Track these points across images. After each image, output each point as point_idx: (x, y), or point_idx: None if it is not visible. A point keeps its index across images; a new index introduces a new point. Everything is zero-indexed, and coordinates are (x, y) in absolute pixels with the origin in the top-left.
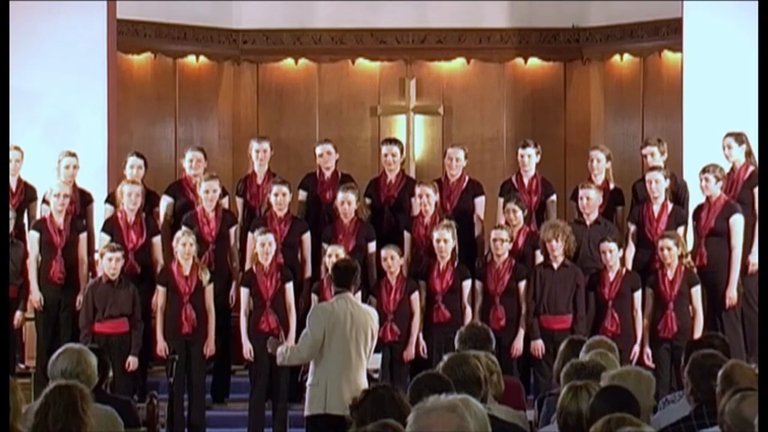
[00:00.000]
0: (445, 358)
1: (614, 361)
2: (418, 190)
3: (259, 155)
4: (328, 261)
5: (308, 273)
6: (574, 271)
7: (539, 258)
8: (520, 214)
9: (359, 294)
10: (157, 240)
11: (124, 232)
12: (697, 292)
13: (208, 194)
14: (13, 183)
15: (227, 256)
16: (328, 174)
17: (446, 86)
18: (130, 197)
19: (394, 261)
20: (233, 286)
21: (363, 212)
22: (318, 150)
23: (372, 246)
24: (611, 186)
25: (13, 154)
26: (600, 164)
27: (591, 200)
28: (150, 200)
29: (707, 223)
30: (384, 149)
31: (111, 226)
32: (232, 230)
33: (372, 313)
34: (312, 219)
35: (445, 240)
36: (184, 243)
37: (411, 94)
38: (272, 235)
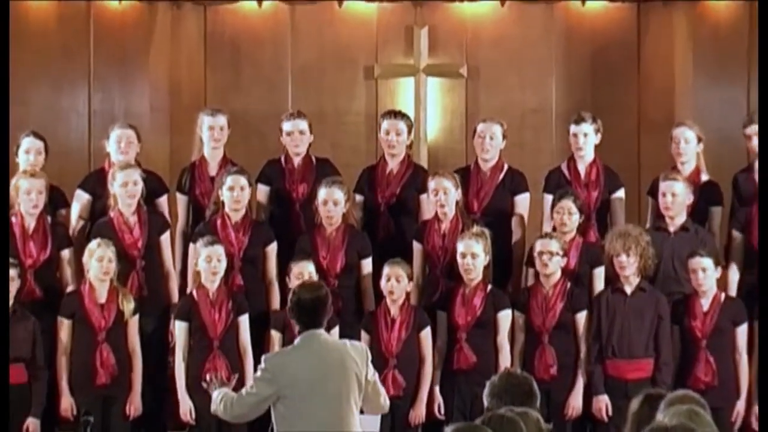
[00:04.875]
0: (448, 431)
1: (709, 424)
2: (432, 183)
3: (213, 134)
4: (295, 284)
5: (276, 301)
6: (655, 297)
7: (599, 280)
8: (576, 217)
9: (336, 331)
10: (66, 254)
11: (21, 244)
12: None
13: (126, 189)
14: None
15: (162, 275)
16: (297, 161)
17: (471, 37)
18: (29, 196)
19: (399, 284)
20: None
21: (353, 216)
22: (286, 126)
23: (367, 264)
24: (703, 178)
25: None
26: (688, 147)
27: (677, 197)
28: (53, 199)
29: None
30: (385, 125)
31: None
32: (164, 238)
33: (353, 349)
34: (277, 224)
35: (474, 254)
36: (99, 258)
37: (422, 49)
38: (221, 247)
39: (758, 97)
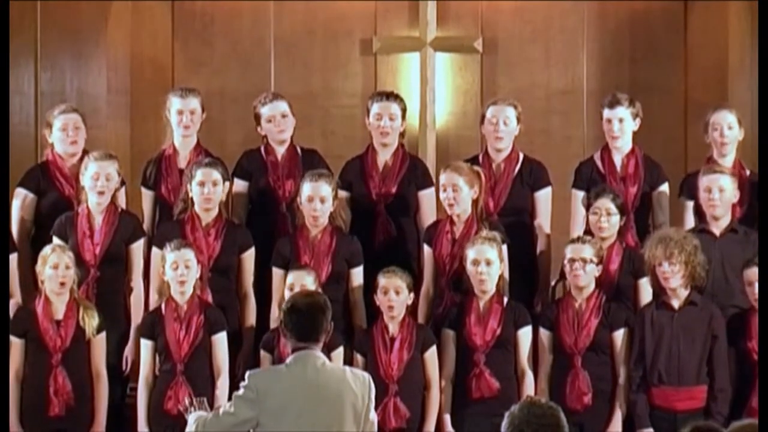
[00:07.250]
0: None
1: None
2: (443, 177)
3: (182, 120)
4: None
5: (251, 317)
6: (708, 312)
7: (645, 292)
8: (616, 218)
9: (341, 351)
10: (12, 261)
11: None
12: None
13: (97, 183)
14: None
15: (125, 288)
16: (281, 151)
17: (487, 5)
18: None
19: (399, 296)
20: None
21: (341, 217)
22: (264, 112)
23: (358, 274)
24: (746, 171)
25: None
26: (732, 134)
27: (725, 193)
28: None
29: None
30: (375, 108)
31: None
32: (135, 246)
33: (353, 379)
34: (258, 228)
35: (488, 261)
36: (54, 265)
37: (429, 19)
38: (191, 251)
39: (758, 97)
